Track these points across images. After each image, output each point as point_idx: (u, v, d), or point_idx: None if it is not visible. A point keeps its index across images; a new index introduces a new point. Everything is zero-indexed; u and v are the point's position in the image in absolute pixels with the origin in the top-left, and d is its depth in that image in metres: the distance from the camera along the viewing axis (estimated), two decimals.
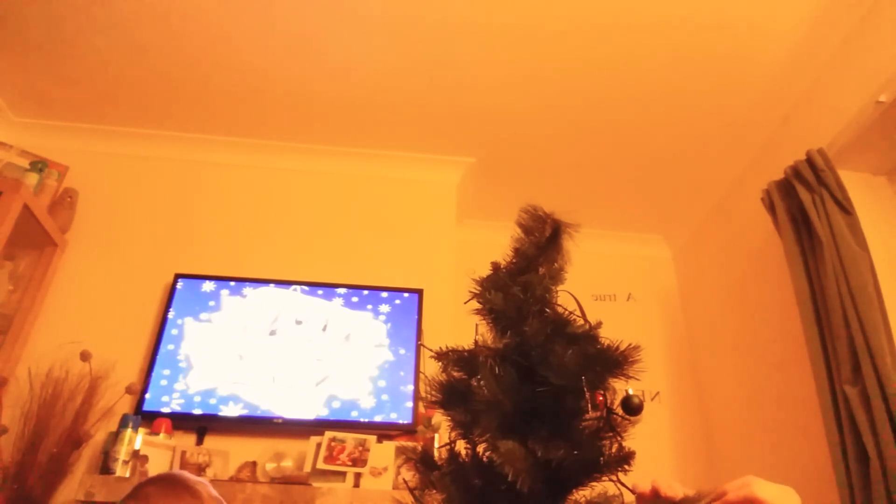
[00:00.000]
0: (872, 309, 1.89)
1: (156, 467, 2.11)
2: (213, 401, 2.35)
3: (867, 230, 2.04)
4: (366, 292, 2.64)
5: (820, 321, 2.09)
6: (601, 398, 0.88)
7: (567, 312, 0.95)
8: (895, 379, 1.78)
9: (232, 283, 2.60)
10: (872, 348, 1.83)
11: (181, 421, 2.31)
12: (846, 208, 2.07)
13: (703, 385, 3.14)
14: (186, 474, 1.35)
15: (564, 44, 2.39)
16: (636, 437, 0.97)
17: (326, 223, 2.89)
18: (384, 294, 2.64)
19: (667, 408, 3.10)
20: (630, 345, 0.88)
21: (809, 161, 2.18)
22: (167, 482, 1.30)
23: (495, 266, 0.98)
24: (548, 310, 0.94)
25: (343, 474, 2.11)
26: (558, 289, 1.01)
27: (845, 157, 2.22)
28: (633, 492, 0.89)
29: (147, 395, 2.32)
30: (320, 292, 2.62)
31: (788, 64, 2.40)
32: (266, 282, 2.62)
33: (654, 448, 2.94)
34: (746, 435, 2.72)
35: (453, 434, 0.96)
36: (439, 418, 2.04)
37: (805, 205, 2.16)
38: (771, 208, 2.36)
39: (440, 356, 0.97)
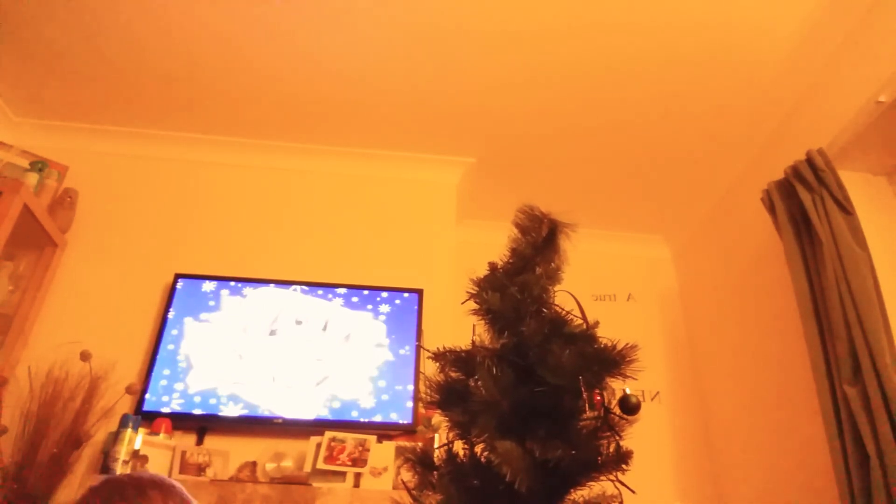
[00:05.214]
0: (872, 309, 1.89)
1: (156, 467, 2.11)
2: (213, 401, 2.35)
3: (867, 230, 2.03)
4: (366, 292, 2.64)
5: (820, 321, 2.08)
6: (599, 398, 0.88)
7: (565, 312, 0.95)
8: (895, 379, 1.78)
9: (232, 284, 2.60)
10: (872, 348, 1.83)
11: (181, 421, 2.31)
12: (846, 208, 2.07)
13: (703, 385, 3.14)
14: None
15: (564, 44, 2.39)
16: (636, 438, 0.97)
17: (326, 223, 2.89)
18: (384, 294, 2.64)
19: (667, 408, 3.10)
20: (627, 344, 0.88)
21: (809, 161, 2.18)
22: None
23: (492, 266, 0.98)
24: (545, 310, 0.94)
25: (343, 474, 2.11)
26: (557, 289, 1.01)
27: (845, 157, 2.22)
28: None
29: (147, 395, 2.32)
30: (320, 292, 2.62)
31: (788, 64, 2.40)
32: (266, 282, 2.62)
33: (654, 448, 2.94)
34: (746, 435, 2.72)
35: (451, 434, 0.96)
36: (439, 418, 2.04)
37: (805, 205, 2.16)
38: (771, 208, 2.36)
39: (438, 357, 0.97)
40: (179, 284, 2.57)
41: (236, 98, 2.73)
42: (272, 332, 2.53)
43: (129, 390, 2.25)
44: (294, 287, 2.62)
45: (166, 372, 2.38)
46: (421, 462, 0.99)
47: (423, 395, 0.97)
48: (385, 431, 2.31)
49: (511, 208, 1.07)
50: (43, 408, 2.16)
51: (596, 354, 0.88)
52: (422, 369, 2.46)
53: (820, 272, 2.09)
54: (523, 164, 3.03)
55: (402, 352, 2.52)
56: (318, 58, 2.51)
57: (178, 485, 1.15)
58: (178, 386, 2.36)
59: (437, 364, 0.97)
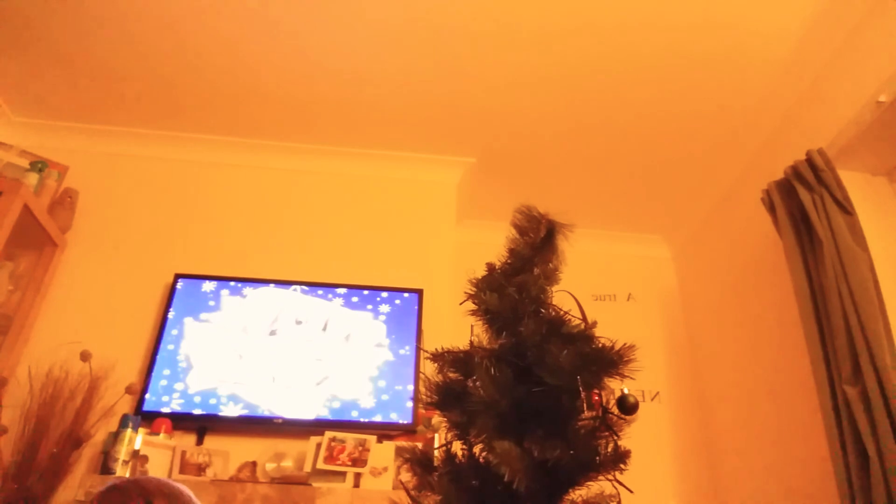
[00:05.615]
0: (872, 309, 1.88)
1: (156, 467, 2.11)
2: (213, 401, 2.35)
3: (867, 230, 2.03)
4: (366, 292, 2.64)
5: (820, 321, 2.08)
6: (597, 398, 0.88)
7: (563, 312, 0.95)
8: (895, 379, 1.78)
9: (232, 284, 2.60)
10: (872, 348, 1.83)
11: (181, 421, 2.31)
12: (846, 208, 2.07)
13: (703, 385, 3.13)
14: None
15: (564, 44, 2.39)
16: (635, 438, 0.97)
17: (326, 223, 2.89)
18: (384, 294, 2.64)
19: (667, 408, 3.10)
20: (625, 344, 0.88)
21: (809, 161, 2.18)
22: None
23: (490, 267, 0.98)
24: (543, 310, 0.94)
25: (343, 474, 2.11)
26: (556, 289, 1.01)
27: (845, 157, 2.22)
28: None
29: (147, 395, 2.32)
30: (320, 292, 2.62)
31: (788, 64, 2.40)
32: (266, 282, 2.62)
33: (653, 448, 2.94)
34: (746, 435, 2.72)
35: (450, 435, 0.96)
36: (439, 419, 2.04)
37: (805, 205, 2.16)
38: (771, 208, 2.36)
39: (436, 357, 0.97)
40: (179, 284, 2.57)
41: (236, 98, 2.73)
42: (272, 332, 2.53)
43: (129, 390, 2.25)
44: (294, 287, 2.62)
45: (166, 372, 2.39)
46: (420, 462, 0.99)
47: (422, 396, 0.97)
48: (385, 431, 2.32)
49: (511, 208, 1.07)
50: (43, 408, 2.16)
51: (594, 354, 0.88)
52: (422, 369, 2.46)
53: (820, 272, 2.09)
54: (523, 164, 3.03)
55: (401, 352, 2.52)
56: (318, 58, 2.51)
57: (185, 490, 1.13)
58: (178, 386, 2.37)
59: (436, 365, 0.97)
